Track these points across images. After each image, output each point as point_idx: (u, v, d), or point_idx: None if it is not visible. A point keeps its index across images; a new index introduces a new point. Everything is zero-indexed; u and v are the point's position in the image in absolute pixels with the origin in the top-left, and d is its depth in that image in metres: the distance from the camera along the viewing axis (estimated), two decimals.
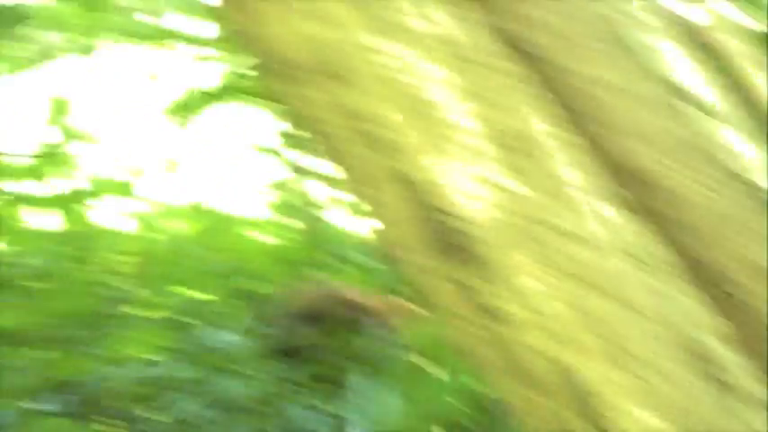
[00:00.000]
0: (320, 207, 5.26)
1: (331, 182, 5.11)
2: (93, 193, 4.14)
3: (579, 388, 1.01)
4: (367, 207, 1.11)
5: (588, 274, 1.00)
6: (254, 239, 5.05)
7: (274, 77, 1.09)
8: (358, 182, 1.08)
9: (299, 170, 5.25)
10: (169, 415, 3.08)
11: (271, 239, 5.09)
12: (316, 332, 3.16)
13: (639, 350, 1.01)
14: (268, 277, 4.37)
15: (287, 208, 5.30)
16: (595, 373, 1.01)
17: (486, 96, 1.00)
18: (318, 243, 4.67)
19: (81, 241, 4.27)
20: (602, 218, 1.01)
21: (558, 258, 1.00)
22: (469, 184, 1.00)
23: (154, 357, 3.58)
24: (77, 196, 3.93)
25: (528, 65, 1.03)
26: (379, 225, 1.10)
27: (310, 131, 1.09)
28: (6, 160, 3.67)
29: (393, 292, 4.06)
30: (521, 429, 1.13)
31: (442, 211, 1.01)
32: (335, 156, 1.09)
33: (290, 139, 5.25)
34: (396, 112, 1.01)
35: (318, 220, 5.11)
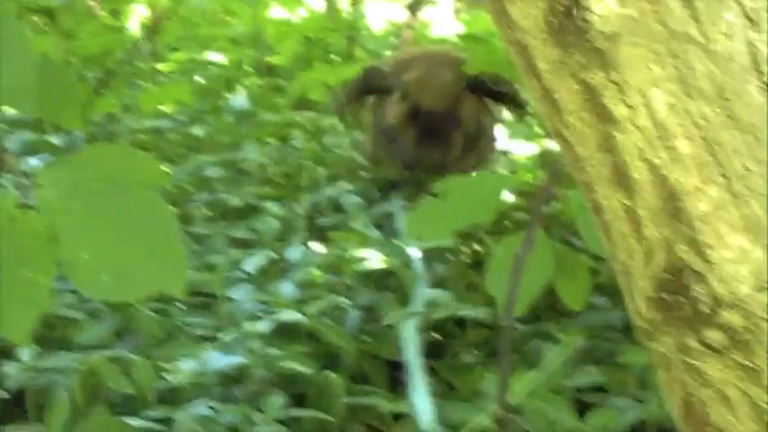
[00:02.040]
0: None
1: None
2: None
3: (671, 195, 1.02)
4: None
5: (707, 86, 1.00)
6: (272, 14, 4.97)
7: None
8: None
9: None
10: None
11: (290, 16, 5.02)
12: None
13: (735, 166, 1.01)
14: (285, 52, 4.34)
15: None
16: (688, 182, 1.02)
17: None
18: (337, 27, 4.62)
19: None
20: (750, 43, 1.00)
21: (684, 69, 0.99)
22: None
23: (166, 111, 3.57)
24: None
25: None
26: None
27: None
28: None
29: None
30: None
31: (577, 3, 1.00)
32: None
33: None
34: None
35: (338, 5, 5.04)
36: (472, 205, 1.95)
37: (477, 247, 2.68)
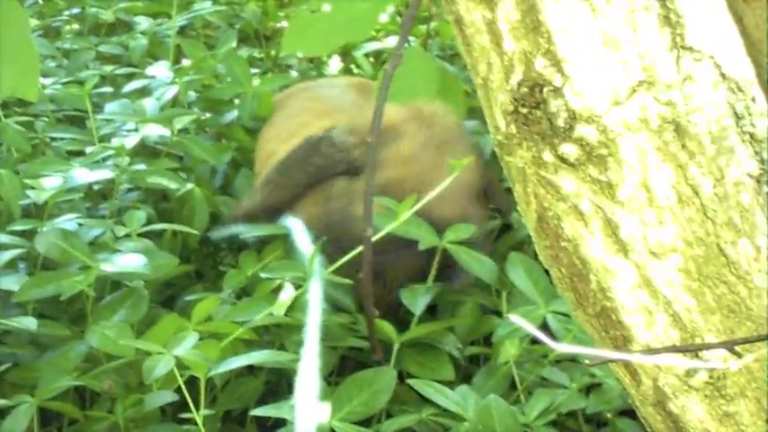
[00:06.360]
0: None
1: None
2: None
3: (530, 8, 1.01)
4: None
5: None
6: None
7: None
8: None
9: None
10: None
11: None
12: None
13: None
14: None
15: None
16: None
17: None
18: None
19: None
20: None
21: None
22: None
23: None
24: None
25: None
26: None
27: None
28: None
29: None
30: None
31: None
32: None
33: None
34: None
35: None
36: (351, 22, 1.94)
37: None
